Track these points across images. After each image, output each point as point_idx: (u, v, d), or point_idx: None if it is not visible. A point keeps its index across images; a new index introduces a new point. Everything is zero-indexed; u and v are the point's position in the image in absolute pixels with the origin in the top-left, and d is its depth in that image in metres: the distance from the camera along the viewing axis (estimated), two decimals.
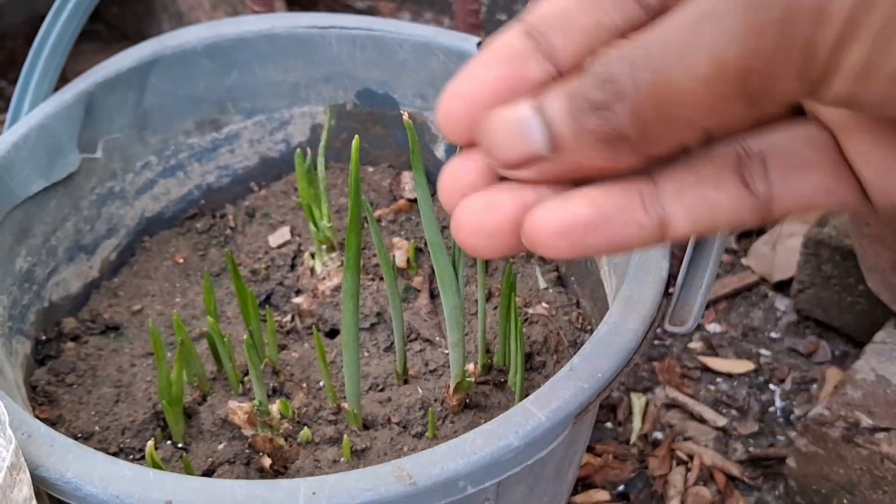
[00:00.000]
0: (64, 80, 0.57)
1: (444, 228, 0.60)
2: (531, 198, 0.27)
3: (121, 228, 0.61)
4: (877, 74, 0.21)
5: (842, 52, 0.21)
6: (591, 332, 0.58)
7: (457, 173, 0.28)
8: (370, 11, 1.39)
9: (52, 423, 0.53)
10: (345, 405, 0.53)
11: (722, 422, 0.82)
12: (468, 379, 0.51)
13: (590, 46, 0.25)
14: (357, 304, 0.47)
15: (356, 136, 0.42)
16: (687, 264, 0.45)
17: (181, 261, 0.62)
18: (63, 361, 0.55)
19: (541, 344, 0.57)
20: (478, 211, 0.27)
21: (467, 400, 0.53)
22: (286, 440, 0.51)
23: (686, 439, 0.80)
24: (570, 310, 0.59)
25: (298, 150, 0.56)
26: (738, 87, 0.22)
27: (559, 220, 0.26)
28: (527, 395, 0.54)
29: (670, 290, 0.45)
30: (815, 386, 0.86)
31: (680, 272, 0.45)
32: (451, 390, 0.52)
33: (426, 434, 0.52)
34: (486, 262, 0.56)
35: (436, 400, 0.54)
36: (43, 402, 0.53)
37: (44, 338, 0.57)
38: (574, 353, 0.57)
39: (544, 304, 0.60)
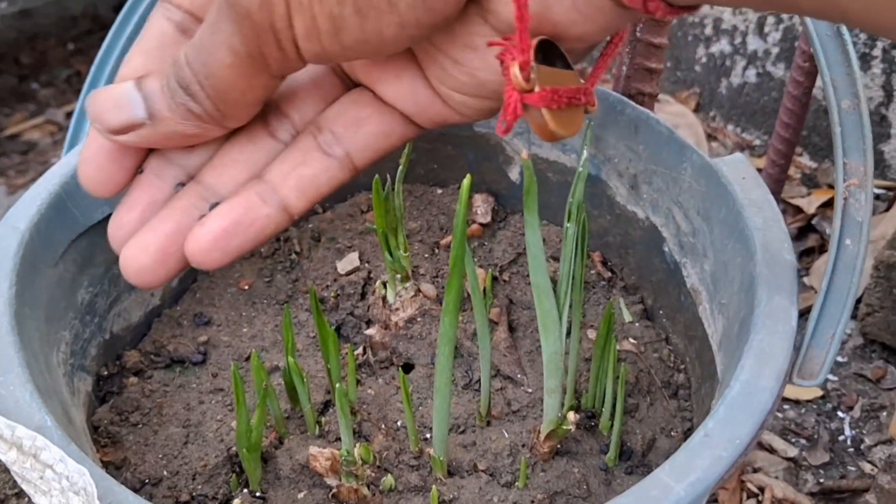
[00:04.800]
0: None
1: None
2: (177, 225, 0.32)
3: None
4: (319, 34, 0.28)
5: (292, 25, 0.28)
6: (685, 371, 0.55)
7: (120, 220, 0.33)
8: None
9: (117, 467, 0.49)
10: (428, 450, 0.49)
11: (792, 452, 0.78)
12: (565, 427, 0.47)
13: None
14: (453, 349, 0.44)
15: (468, 175, 0.38)
16: (818, 313, 0.42)
17: (246, 287, 0.59)
18: (126, 399, 0.52)
19: (632, 385, 0.53)
20: (139, 248, 0.32)
21: (558, 445, 0.50)
22: (368, 488, 0.48)
23: (756, 470, 0.77)
24: (659, 346, 0.56)
25: (377, 176, 0.53)
26: (254, 64, 0.29)
27: (207, 236, 0.31)
28: (622, 442, 0.51)
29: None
30: (884, 414, 0.83)
31: (809, 321, 0.42)
32: (541, 436, 0.49)
33: (516, 483, 0.49)
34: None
35: (523, 445, 0.50)
36: (106, 444, 0.50)
37: (105, 373, 0.53)
38: (668, 395, 0.54)
39: (631, 340, 0.56)
